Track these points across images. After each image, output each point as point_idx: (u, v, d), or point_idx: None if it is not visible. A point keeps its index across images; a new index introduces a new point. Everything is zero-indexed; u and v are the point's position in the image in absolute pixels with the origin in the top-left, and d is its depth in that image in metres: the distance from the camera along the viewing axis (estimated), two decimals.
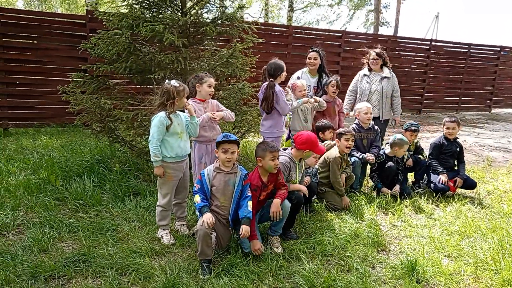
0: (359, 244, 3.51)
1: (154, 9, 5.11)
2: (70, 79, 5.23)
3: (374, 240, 3.57)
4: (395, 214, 4.28)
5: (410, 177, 5.43)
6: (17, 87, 8.07)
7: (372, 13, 26.54)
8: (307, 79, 5.47)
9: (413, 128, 5.15)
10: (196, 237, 3.04)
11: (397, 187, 4.81)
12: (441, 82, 13.96)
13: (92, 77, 5.13)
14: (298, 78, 5.49)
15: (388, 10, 28.85)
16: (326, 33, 12.15)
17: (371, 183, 5.25)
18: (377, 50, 5.70)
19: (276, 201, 3.30)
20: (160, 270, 2.96)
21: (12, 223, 3.65)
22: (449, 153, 5.06)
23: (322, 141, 4.83)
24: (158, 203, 3.53)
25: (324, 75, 5.52)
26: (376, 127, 5.18)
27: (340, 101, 5.54)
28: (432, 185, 4.99)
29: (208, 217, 2.97)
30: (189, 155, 3.81)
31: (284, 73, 4.59)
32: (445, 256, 3.42)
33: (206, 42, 5.63)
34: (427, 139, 8.78)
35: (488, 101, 15.25)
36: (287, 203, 3.38)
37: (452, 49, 13.96)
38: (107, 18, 4.97)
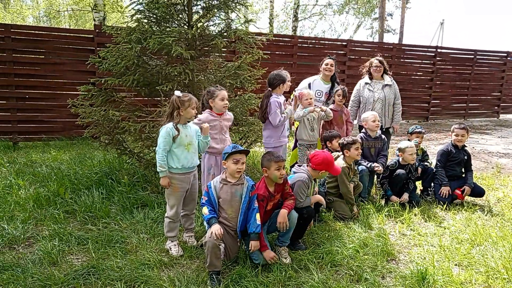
0: (368, 254, 3.48)
1: (161, 23, 5.19)
2: (79, 92, 5.31)
3: (383, 250, 3.55)
4: (404, 223, 4.25)
5: (418, 185, 5.39)
6: (26, 101, 8.18)
7: (377, 21, 26.59)
8: (320, 86, 5.60)
9: (417, 130, 5.24)
10: (204, 249, 3.04)
11: (405, 196, 4.78)
12: (448, 89, 13.90)
13: (100, 90, 5.21)
14: (310, 84, 5.59)
15: (393, 18, 28.82)
16: (332, 42, 12.20)
17: (379, 192, 5.24)
18: (379, 58, 5.73)
19: (283, 212, 3.31)
20: (169, 282, 2.96)
21: (22, 236, 3.68)
22: (456, 161, 5.02)
23: (330, 151, 4.83)
24: (166, 215, 3.55)
25: (335, 83, 5.63)
26: (383, 136, 5.18)
27: (348, 110, 5.58)
28: (436, 195, 4.99)
29: (216, 229, 2.97)
30: (199, 166, 3.83)
31: (286, 84, 4.62)
32: (455, 265, 3.38)
33: (213, 54, 5.70)
34: (435, 146, 8.72)
35: (496, 107, 15.14)
36: (294, 214, 3.37)
37: (458, 55, 13.93)
38: (116, 32, 5.07)
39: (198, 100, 3.55)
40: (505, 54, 14.64)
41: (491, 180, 6.09)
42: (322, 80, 5.64)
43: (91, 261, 3.23)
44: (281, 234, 3.41)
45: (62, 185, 4.88)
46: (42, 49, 8.21)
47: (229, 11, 5.38)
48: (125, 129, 4.79)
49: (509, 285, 3.01)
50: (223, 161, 3.24)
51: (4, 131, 8.01)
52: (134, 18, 5.01)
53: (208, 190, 3.21)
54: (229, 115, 4.18)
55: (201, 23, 5.25)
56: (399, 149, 4.92)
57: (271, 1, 19.74)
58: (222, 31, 5.28)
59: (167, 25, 5.15)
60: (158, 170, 3.39)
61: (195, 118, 3.52)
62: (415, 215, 4.47)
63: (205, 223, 3.26)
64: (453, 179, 4.96)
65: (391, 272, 3.24)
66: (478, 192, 4.94)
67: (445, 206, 4.75)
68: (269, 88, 4.61)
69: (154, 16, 5.07)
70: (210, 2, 5.23)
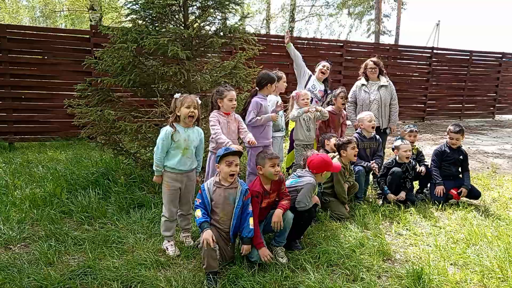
0: (364, 254, 3.49)
1: (157, 23, 5.19)
2: (75, 92, 5.31)
3: (379, 249, 3.56)
4: (400, 222, 4.27)
5: (416, 185, 5.41)
6: (22, 101, 8.15)
7: (373, 22, 26.69)
8: (316, 83, 5.68)
9: (409, 129, 5.27)
10: (200, 251, 3.04)
11: (402, 194, 4.81)
12: (444, 90, 13.96)
13: (96, 89, 5.20)
14: (310, 77, 5.73)
15: (389, 19, 28.94)
16: (328, 43, 12.23)
17: (374, 192, 5.27)
18: (374, 59, 5.76)
19: (278, 212, 3.32)
20: (165, 282, 2.96)
21: (18, 236, 3.67)
22: (451, 161, 5.05)
23: (327, 151, 4.84)
24: (162, 213, 3.55)
25: (326, 83, 5.79)
26: (377, 136, 5.20)
27: (345, 113, 5.63)
28: (432, 195, 5.02)
29: (208, 237, 2.94)
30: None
31: (274, 85, 4.58)
32: (451, 264, 3.40)
33: (209, 54, 5.71)
34: (431, 147, 8.76)
35: (492, 108, 15.22)
36: (289, 214, 3.38)
37: (454, 56, 14.00)
38: (112, 32, 5.06)
39: (198, 99, 3.52)
40: (500, 55, 14.72)
41: (486, 180, 6.13)
42: (317, 80, 5.69)
43: (88, 261, 3.22)
44: (277, 234, 3.41)
45: (59, 185, 4.86)
46: (38, 49, 8.19)
47: (225, 11, 5.39)
48: (121, 129, 4.78)
49: (504, 284, 3.03)
50: (217, 164, 3.21)
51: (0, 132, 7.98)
52: (129, 18, 5.01)
53: (202, 192, 3.18)
54: (237, 116, 4.13)
55: (197, 23, 5.25)
56: (395, 147, 4.96)
57: (267, 2, 19.79)
58: (218, 30, 5.29)
59: (163, 25, 5.14)
60: (154, 168, 3.43)
61: (191, 116, 3.45)
62: (411, 214, 4.49)
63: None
64: (449, 179, 4.99)
65: (387, 271, 3.25)
66: (474, 195, 4.95)
67: (440, 205, 4.78)
68: (256, 88, 4.61)
69: (150, 16, 5.06)
70: (206, 2, 5.22)
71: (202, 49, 5.39)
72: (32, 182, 5.23)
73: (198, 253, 3.44)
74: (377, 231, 3.97)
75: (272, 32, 24.16)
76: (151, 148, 5.23)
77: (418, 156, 5.37)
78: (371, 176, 5.28)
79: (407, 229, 4.14)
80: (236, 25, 5.28)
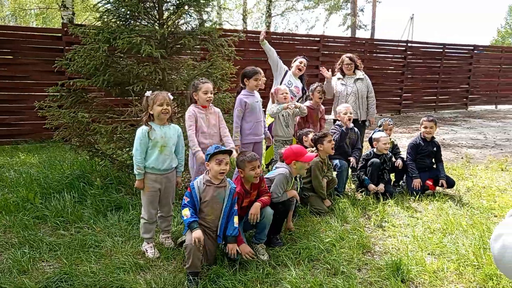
0: (344, 247, 3.53)
1: (130, 21, 5.08)
2: (48, 94, 5.15)
3: (359, 242, 3.60)
4: (378, 215, 4.33)
5: (392, 177, 5.50)
6: None
7: (349, 16, 26.93)
8: (294, 81, 5.65)
9: (385, 123, 5.35)
10: (185, 251, 2.97)
11: (381, 186, 4.88)
12: (419, 82, 14.23)
13: (69, 91, 5.06)
14: (286, 72, 5.68)
15: (364, 14, 29.26)
16: (305, 38, 12.27)
17: (353, 186, 5.33)
18: (349, 55, 5.82)
19: (256, 204, 3.31)
20: (145, 284, 2.91)
21: None
22: (425, 153, 5.15)
23: (305, 147, 4.85)
24: (141, 215, 3.49)
25: (303, 81, 5.79)
26: (356, 129, 5.25)
27: (323, 108, 5.65)
28: (409, 187, 5.11)
29: (198, 236, 2.90)
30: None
31: (253, 79, 4.53)
32: (428, 254, 3.47)
33: (184, 52, 5.63)
34: (407, 139, 8.91)
35: (465, 99, 15.60)
36: (269, 210, 3.38)
37: (427, 49, 14.27)
38: (83, 31, 4.91)
39: (170, 95, 3.47)
40: (472, 47, 15.09)
41: (461, 170, 6.28)
42: (293, 76, 5.68)
43: (64, 267, 3.14)
44: (257, 231, 3.41)
45: (32, 190, 4.72)
46: (8, 49, 7.94)
47: (201, 8, 5.32)
48: (96, 130, 4.67)
49: (479, 271, 3.11)
50: (206, 162, 3.15)
51: None
52: (102, 18, 4.88)
53: (191, 191, 3.10)
54: (216, 110, 4.07)
55: (172, 21, 5.17)
56: (374, 139, 5.02)
57: None
58: (194, 29, 5.22)
59: (137, 23, 5.04)
60: (135, 172, 3.35)
61: (164, 114, 3.40)
62: (389, 206, 4.56)
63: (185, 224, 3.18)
64: (424, 171, 5.09)
65: (367, 264, 3.29)
66: (449, 183, 5.07)
67: (417, 197, 4.87)
68: (241, 85, 4.61)
69: (123, 14, 4.95)
70: None
71: (178, 47, 5.31)
72: (4, 188, 5.06)
73: (178, 254, 3.41)
74: (356, 224, 4.01)
75: (249, 28, 24.07)
76: (127, 149, 5.13)
77: (394, 149, 5.45)
78: (349, 170, 5.33)
79: (385, 221, 4.20)
80: (211, 27, 5.22)
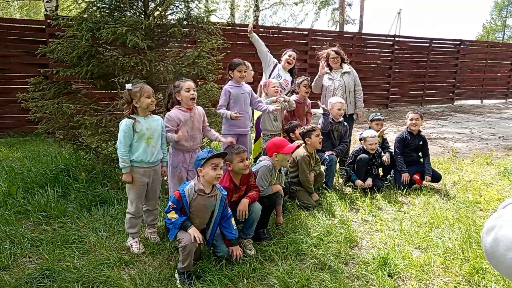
0: (332, 242, 3.51)
1: (116, 13, 4.96)
2: (29, 86, 5.01)
3: (347, 237, 3.59)
4: (366, 209, 4.33)
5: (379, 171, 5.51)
6: None
7: (337, 11, 26.92)
8: (284, 75, 5.59)
9: (377, 118, 5.39)
10: (182, 251, 2.85)
11: (369, 181, 4.88)
12: (406, 77, 14.31)
13: (52, 82, 4.93)
14: (276, 65, 5.62)
15: (352, 8, 29.33)
16: (293, 32, 12.21)
17: (341, 180, 5.32)
18: (335, 49, 5.77)
19: (244, 201, 3.27)
20: (129, 280, 2.85)
21: None
22: (412, 147, 5.17)
23: (292, 141, 4.82)
24: (127, 210, 3.42)
25: (293, 74, 5.73)
26: (345, 123, 5.25)
27: (309, 101, 5.60)
28: (396, 181, 5.13)
29: (196, 232, 2.86)
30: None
31: (236, 70, 4.42)
32: (415, 248, 3.47)
33: (172, 44, 5.53)
34: (394, 133, 8.96)
35: (451, 94, 15.76)
36: (257, 206, 3.34)
37: (414, 44, 14.35)
38: (67, 22, 4.78)
39: (154, 89, 3.40)
40: (458, 42, 15.23)
41: (447, 164, 6.33)
42: (283, 69, 5.63)
43: (46, 263, 3.06)
44: (245, 226, 3.37)
45: (14, 184, 4.60)
46: None
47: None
48: (81, 123, 4.56)
49: (466, 265, 3.12)
50: (199, 168, 2.95)
51: None
52: (86, 10, 4.75)
53: (181, 199, 2.94)
54: (200, 110, 3.87)
55: (158, 12, 5.06)
56: (362, 138, 5.03)
57: None
58: (181, 19, 5.12)
59: (122, 14, 4.92)
60: (120, 166, 3.26)
61: (153, 105, 3.34)
62: (377, 200, 4.57)
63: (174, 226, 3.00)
64: (411, 165, 5.11)
65: (354, 258, 3.28)
66: (435, 177, 5.10)
67: (404, 191, 4.88)
68: (228, 77, 4.56)
69: (107, 4, 4.82)
70: None
71: (165, 38, 5.21)
72: None
73: (164, 249, 3.36)
74: (344, 218, 4.00)
75: (237, 21, 23.89)
76: (113, 142, 5.03)
77: (383, 143, 5.47)
78: (337, 164, 5.32)
79: (373, 215, 4.21)
80: (199, 16, 5.13)
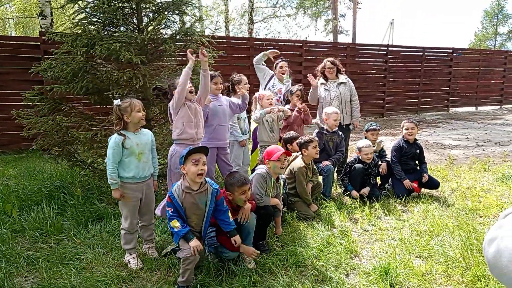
0: (332, 252, 3.47)
1: (110, 28, 4.98)
2: (25, 103, 4.99)
3: (347, 247, 3.56)
4: (365, 218, 4.30)
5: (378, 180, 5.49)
6: None
7: (330, 22, 27.20)
8: (278, 84, 5.69)
9: (372, 128, 5.36)
10: (182, 263, 2.84)
11: (365, 189, 4.86)
12: (400, 86, 14.40)
13: (47, 98, 4.90)
14: (272, 76, 5.73)
15: (346, 19, 29.65)
16: (287, 43, 12.30)
17: (339, 190, 5.30)
18: (331, 59, 5.80)
19: (247, 205, 3.26)
20: None
21: None
22: (409, 155, 5.17)
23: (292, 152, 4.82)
24: (121, 226, 3.38)
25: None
26: (340, 132, 5.25)
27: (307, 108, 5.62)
28: (395, 189, 5.10)
29: (197, 245, 2.84)
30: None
31: (212, 82, 4.30)
32: (416, 257, 3.44)
33: (166, 58, 5.54)
34: (391, 142, 8.97)
35: (446, 101, 15.84)
36: (252, 215, 3.32)
37: (408, 53, 14.47)
38: (61, 38, 4.79)
39: (149, 103, 3.39)
40: (451, 50, 15.38)
41: (444, 171, 6.32)
42: (278, 79, 5.67)
43: (42, 281, 3.01)
44: (242, 237, 3.32)
45: (9, 202, 4.54)
46: None
47: (181, 13, 5.25)
48: (76, 137, 4.53)
49: (468, 272, 3.09)
50: (182, 166, 3.00)
51: None
52: (79, 24, 4.77)
53: (172, 201, 2.95)
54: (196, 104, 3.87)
55: (152, 27, 5.08)
56: (358, 148, 5.03)
57: (225, 5, 19.72)
58: (175, 33, 5.14)
59: (116, 29, 4.94)
60: (109, 182, 3.21)
61: (143, 119, 3.33)
62: (376, 209, 4.54)
63: (176, 236, 3.00)
64: (409, 173, 5.10)
65: (355, 268, 3.24)
66: (433, 184, 5.09)
67: (403, 199, 4.86)
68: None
69: (101, 21, 4.84)
70: (161, 4, 5.06)
71: (158, 53, 5.22)
72: None
73: (162, 264, 3.31)
74: (343, 228, 3.97)
75: (231, 34, 24.08)
76: None
77: (380, 152, 5.46)
78: (335, 174, 5.31)
79: (372, 224, 4.18)
80: (192, 28, 5.15)
